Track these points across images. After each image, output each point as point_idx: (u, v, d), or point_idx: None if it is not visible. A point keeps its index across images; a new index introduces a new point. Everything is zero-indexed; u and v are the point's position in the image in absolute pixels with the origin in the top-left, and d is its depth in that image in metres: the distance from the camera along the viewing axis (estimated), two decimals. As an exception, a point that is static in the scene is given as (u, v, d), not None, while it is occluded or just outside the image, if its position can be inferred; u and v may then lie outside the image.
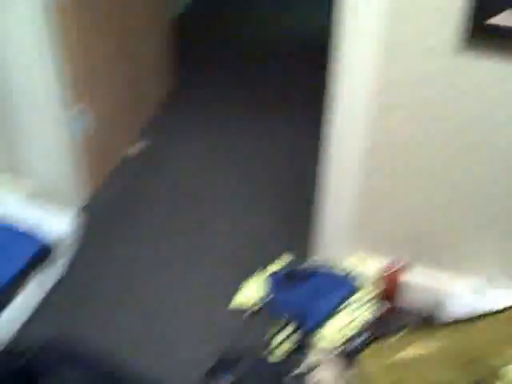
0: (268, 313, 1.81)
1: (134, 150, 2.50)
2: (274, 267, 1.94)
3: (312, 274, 1.85)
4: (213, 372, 1.61)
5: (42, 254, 1.83)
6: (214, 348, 1.71)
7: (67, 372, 1.58)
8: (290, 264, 1.94)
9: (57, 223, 1.94)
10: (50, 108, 1.96)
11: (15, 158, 2.06)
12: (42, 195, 2.08)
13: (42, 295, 1.87)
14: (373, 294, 1.78)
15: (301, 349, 1.68)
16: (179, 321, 1.84)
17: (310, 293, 1.78)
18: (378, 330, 1.63)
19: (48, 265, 1.87)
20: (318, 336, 1.69)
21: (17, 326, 1.77)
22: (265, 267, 1.94)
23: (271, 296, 1.83)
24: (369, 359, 1.39)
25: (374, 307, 1.75)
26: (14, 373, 1.57)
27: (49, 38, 1.83)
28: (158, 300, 1.91)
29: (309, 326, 1.69)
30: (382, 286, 1.78)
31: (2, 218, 1.89)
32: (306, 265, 1.90)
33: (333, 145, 1.68)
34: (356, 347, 1.59)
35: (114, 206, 2.26)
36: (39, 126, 1.98)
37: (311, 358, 1.65)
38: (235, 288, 1.90)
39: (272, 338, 1.72)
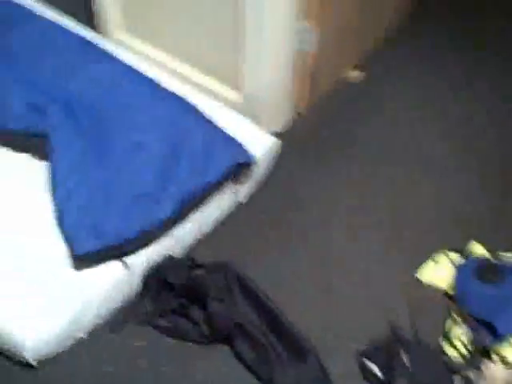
0: (452, 300, 1.64)
1: (351, 76, 2.34)
2: (471, 252, 1.74)
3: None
4: (371, 352, 1.52)
5: (240, 167, 1.78)
6: (383, 320, 1.60)
7: (235, 296, 1.57)
8: (489, 253, 1.73)
9: (257, 141, 1.88)
10: (276, 15, 1.83)
11: (232, 66, 2.01)
12: (250, 107, 2.03)
13: (223, 214, 1.84)
14: None
15: (480, 352, 1.51)
16: (350, 277, 1.74)
17: (508, 293, 1.58)
18: None
19: (241, 181, 1.83)
20: (504, 345, 1.49)
21: (193, 238, 1.77)
22: (460, 248, 1.75)
23: (460, 284, 1.65)
24: None
25: None
26: (184, 284, 1.59)
27: None
28: (332, 249, 1.81)
29: (497, 330, 1.50)
30: None
31: (211, 122, 1.85)
32: (507, 259, 1.69)
33: None
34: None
35: (318, 132, 2.14)
36: (261, 32, 1.88)
37: (490, 367, 1.48)
38: (420, 258, 1.74)
39: (450, 330, 1.57)
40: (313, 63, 2.07)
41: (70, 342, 1.53)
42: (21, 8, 2.12)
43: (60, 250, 1.58)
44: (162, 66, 2.13)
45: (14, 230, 1.62)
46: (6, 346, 1.49)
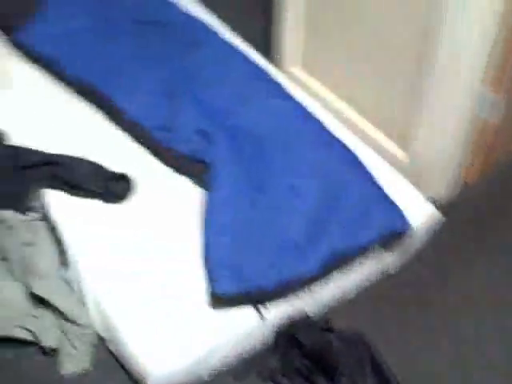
0: None
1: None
2: None
3: None
4: None
5: (394, 234, 1.68)
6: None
7: (365, 376, 1.49)
8: None
9: (417, 209, 1.77)
10: (460, 79, 1.72)
11: (403, 123, 1.92)
12: (414, 170, 1.92)
13: (368, 281, 1.75)
14: None
15: None
16: (493, 376, 1.60)
17: None
18: None
19: (392, 249, 1.73)
20: None
21: (332, 300, 1.70)
22: None
23: None
24: None
25: None
26: (314, 347, 1.53)
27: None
28: (477, 340, 1.67)
29: None
30: None
31: (372, 179, 1.77)
32: None
33: None
34: None
35: (481, 208, 2.00)
36: (442, 94, 1.77)
37: None
38: None
39: None
40: (492, 134, 1.93)
41: (191, 379, 1.53)
42: (207, 29, 2.16)
43: (200, 286, 1.57)
44: (331, 108, 2.08)
45: (159, 257, 1.63)
46: (132, 371, 1.51)
